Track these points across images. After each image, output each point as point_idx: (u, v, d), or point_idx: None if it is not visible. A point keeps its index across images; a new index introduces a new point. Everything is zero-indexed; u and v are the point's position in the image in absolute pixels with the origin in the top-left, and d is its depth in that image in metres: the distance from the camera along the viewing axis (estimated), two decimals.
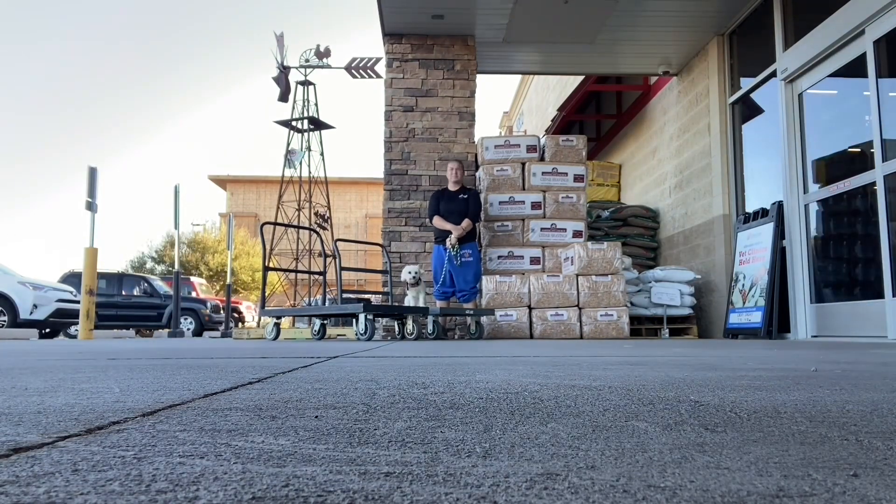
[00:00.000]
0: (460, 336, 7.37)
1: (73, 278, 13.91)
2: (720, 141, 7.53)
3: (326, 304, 7.29)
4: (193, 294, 16.86)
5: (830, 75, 5.98)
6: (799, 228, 6.30)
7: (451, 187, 7.07)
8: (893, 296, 5.07)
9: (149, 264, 30.35)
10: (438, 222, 6.91)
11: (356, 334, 5.89)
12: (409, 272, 6.58)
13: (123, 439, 0.75)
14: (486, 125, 60.82)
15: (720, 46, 7.72)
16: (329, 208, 12.82)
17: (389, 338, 6.98)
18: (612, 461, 0.64)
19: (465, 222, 6.83)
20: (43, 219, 70.51)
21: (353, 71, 11.72)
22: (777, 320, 6.30)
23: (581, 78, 10.42)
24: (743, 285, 6.80)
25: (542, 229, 7.41)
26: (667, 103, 9.02)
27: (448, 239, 6.79)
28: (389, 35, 7.96)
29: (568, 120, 11.74)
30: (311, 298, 10.92)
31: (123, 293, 15.21)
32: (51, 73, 76.81)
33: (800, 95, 6.40)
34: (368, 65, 11.66)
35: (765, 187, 7.08)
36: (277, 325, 6.57)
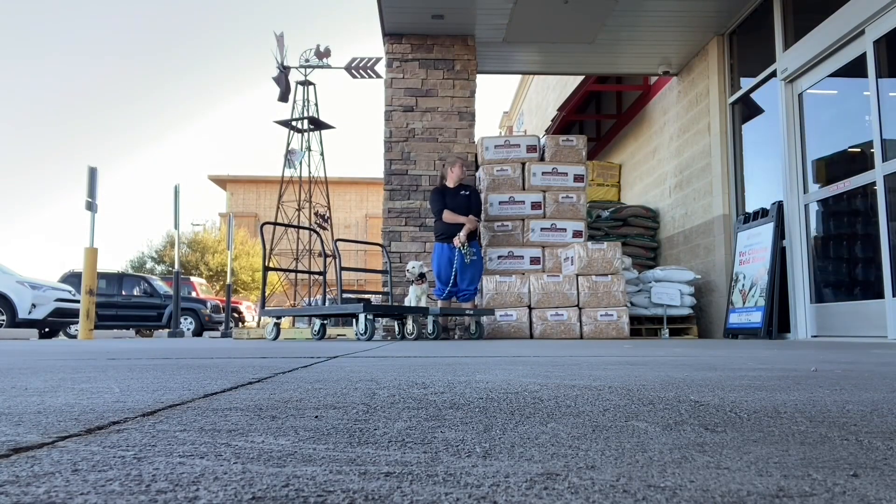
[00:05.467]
0: (460, 336, 7.37)
1: (73, 278, 13.91)
2: (720, 141, 7.54)
3: (326, 304, 7.29)
4: (193, 294, 16.86)
5: (830, 75, 5.98)
6: (799, 228, 6.30)
7: (451, 184, 7.03)
8: (893, 296, 5.07)
9: (149, 264, 30.36)
10: (450, 216, 6.81)
11: (356, 334, 5.89)
12: (413, 267, 6.54)
13: (123, 439, 0.75)
14: (486, 125, 60.82)
15: (720, 46, 7.73)
16: (329, 208, 12.83)
17: (389, 338, 6.98)
18: (612, 461, 0.64)
19: (473, 217, 6.81)
20: (46, 220, 70.55)
21: (353, 71, 11.72)
22: (777, 320, 6.30)
23: (581, 78, 10.42)
24: (743, 285, 6.80)
25: (542, 229, 7.41)
26: (667, 103, 9.02)
27: (457, 237, 6.72)
28: (389, 35, 7.96)
29: (568, 120, 11.74)
30: (311, 298, 10.92)
31: (123, 293, 15.21)
32: (52, 73, 76.82)
33: (800, 95, 6.40)
34: (368, 65, 11.67)
35: (765, 187, 7.08)
36: (277, 325, 6.56)
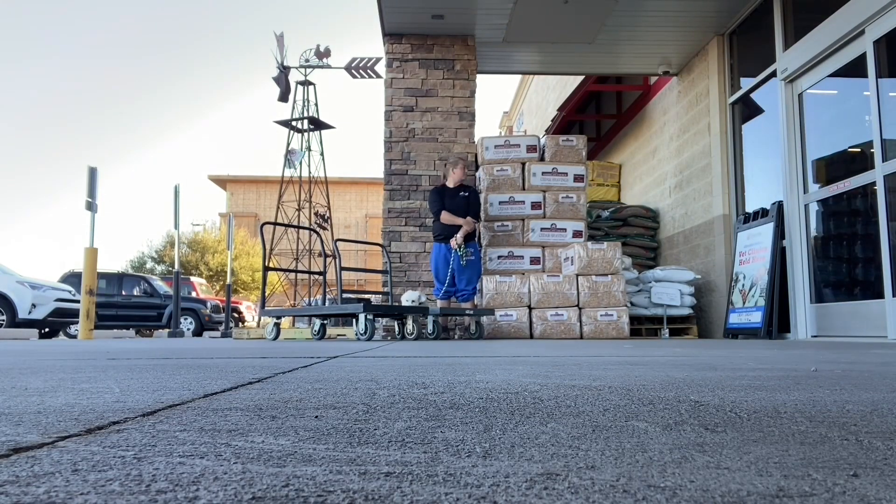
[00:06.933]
0: (460, 336, 7.37)
1: (73, 278, 13.91)
2: (720, 141, 7.54)
3: (326, 304, 7.29)
4: (193, 294, 16.86)
5: (830, 75, 5.98)
6: (799, 228, 6.31)
7: (451, 184, 7.03)
8: (893, 296, 5.07)
9: (149, 264, 30.36)
10: (448, 217, 6.82)
11: (356, 334, 5.89)
12: (409, 299, 6.51)
13: (123, 439, 0.75)
14: (486, 125, 60.87)
15: (720, 46, 7.73)
16: (329, 208, 12.83)
17: (389, 338, 6.98)
18: (612, 461, 0.64)
19: (470, 219, 6.81)
20: (46, 220, 70.57)
21: (353, 71, 11.72)
22: (777, 320, 6.30)
23: (581, 78, 10.42)
24: (743, 285, 6.80)
25: (542, 229, 7.41)
26: (667, 103, 9.02)
27: (454, 239, 6.73)
28: (389, 35, 7.96)
29: (568, 120, 11.74)
30: (311, 298, 10.92)
31: (123, 293, 15.21)
32: (52, 73, 76.82)
33: (800, 95, 6.40)
34: (368, 65, 11.67)
35: (765, 187, 7.08)
36: (277, 325, 6.56)
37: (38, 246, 63.37)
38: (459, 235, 6.71)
